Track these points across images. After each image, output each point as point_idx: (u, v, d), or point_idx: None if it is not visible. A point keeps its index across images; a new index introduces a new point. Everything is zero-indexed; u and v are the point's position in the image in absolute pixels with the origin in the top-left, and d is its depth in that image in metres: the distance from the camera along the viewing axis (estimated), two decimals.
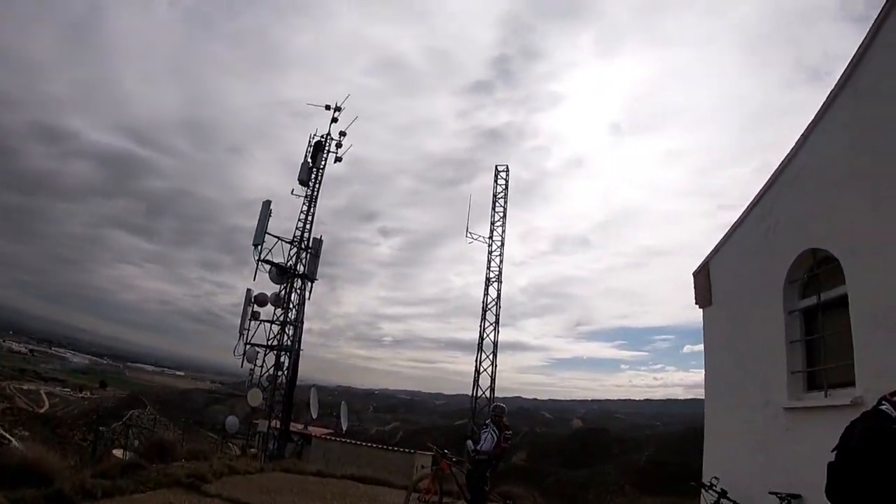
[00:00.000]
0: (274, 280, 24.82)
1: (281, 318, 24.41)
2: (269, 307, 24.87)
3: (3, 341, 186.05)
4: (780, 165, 7.85)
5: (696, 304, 9.66)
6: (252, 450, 23.77)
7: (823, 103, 7.02)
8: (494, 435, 9.71)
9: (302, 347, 25.09)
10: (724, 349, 8.97)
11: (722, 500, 7.53)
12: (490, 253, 26.38)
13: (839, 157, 6.79)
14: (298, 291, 25.10)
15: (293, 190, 25.96)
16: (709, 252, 9.49)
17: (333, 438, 23.11)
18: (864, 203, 6.27)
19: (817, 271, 7.25)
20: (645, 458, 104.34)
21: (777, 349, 7.59)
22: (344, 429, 27.70)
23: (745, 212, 8.63)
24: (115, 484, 9.45)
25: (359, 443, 23.19)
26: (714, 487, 7.67)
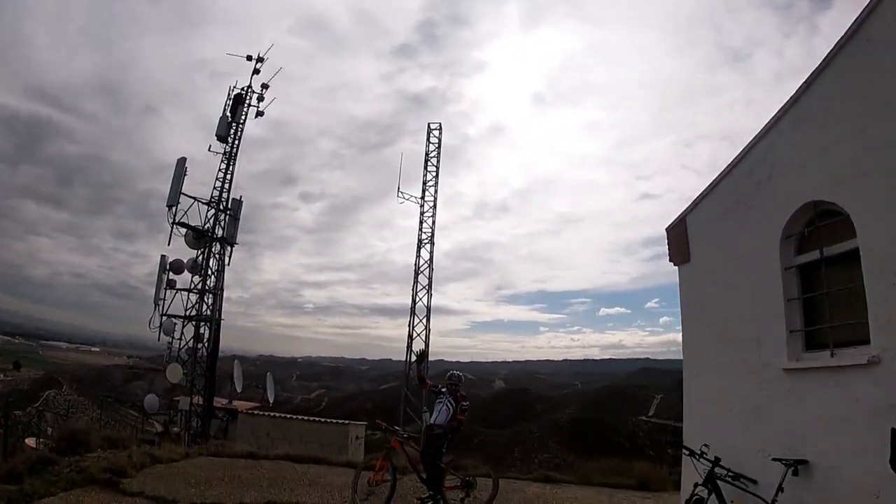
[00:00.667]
0: (190, 245, 22.92)
1: (199, 287, 22.55)
2: (186, 275, 23.04)
3: None
4: (778, 112, 6.98)
5: (671, 261, 8.77)
6: (175, 429, 22.04)
7: (831, 49, 6.26)
8: (450, 406, 8.80)
9: (223, 317, 23.44)
10: (705, 309, 8.18)
11: (717, 468, 6.80)
12: (422, 213, 25.15)
13: (847, 104, 6.07)
14: (217, 257, 23.30)
15: (210, 146, 23.94)
16: (684, 208, 8.62)
17: (262, 413, 21.54)
18: (875, 152, 5.64)
19: (819, 224, 6.48)
20: (567, 416, 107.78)
21: (772, 308, 6.83)
22: (271, 401, 26.20)
23: (731, 162, 7.74)
24: (22, 489, 8.04)
25: (289, 416, 21.67)
26: (706, 455, 6.96)
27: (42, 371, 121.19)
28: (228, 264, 23.59)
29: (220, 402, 23.94)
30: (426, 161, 25.50)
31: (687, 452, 7.35)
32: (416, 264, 24.77)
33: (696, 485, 6.86)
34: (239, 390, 24.98)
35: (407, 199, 25.53)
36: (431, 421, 9.00)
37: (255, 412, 21.83)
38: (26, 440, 19.82)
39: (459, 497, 8.47)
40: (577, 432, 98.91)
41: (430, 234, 25.02)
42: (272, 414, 21.59)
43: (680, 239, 8.53)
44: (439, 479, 8.59)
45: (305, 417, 22.22)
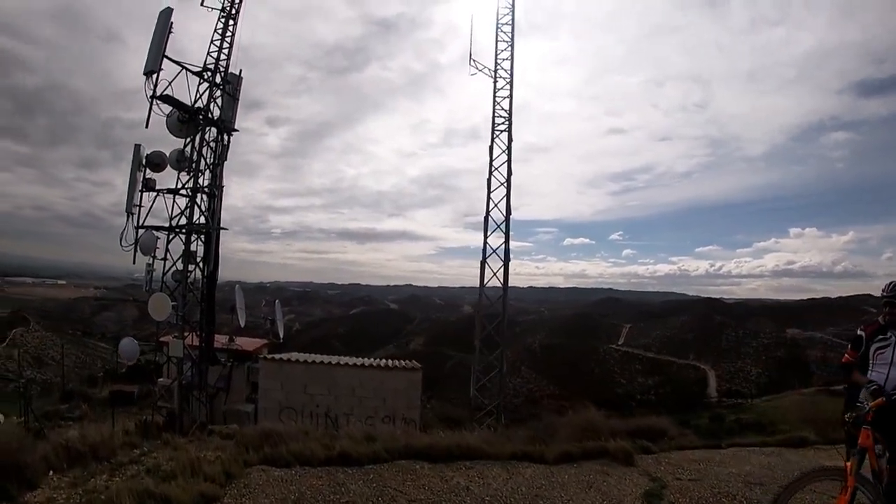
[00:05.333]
0: (175, 131, 16.20)
1: (190, 186, 16.03)
2: (169, 171, 16.41)
3: None
4: None
5: None
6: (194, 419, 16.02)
7: None
8: None
9: (223, 225, 16.93)
10: None
11: None
12: (495, 93, 18.72)
13: None
14: (212, 146, 16.64)
15: (203, 0, 16.89)
16: None
17: (294, 359, 14.90)
18: None
19: None
20: (537, 342, 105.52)
21: None
22: (281, 337, 20.11)
23: None
24: None
25: (331, 360, 15.12)
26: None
27: (8, 309, 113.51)
28: (226, 158, 17.03)
29: (218, 341, 17.73)
30: (497, 29, 19.04)
31: None
32: (490, 156, 18.41)
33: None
34: (242, 325, 18.70)
35: (480, 71, 19.11)
36: (883, 382, 4.44)
37: (278, 356, 15.40)
38: None
39: None
40: (549, 358, 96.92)
41: (506, 119, 18.59)
42: (308, 359, 15.31)
43: None
44: None
45: (354, 361, 15.87)
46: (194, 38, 16.80)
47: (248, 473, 6.51)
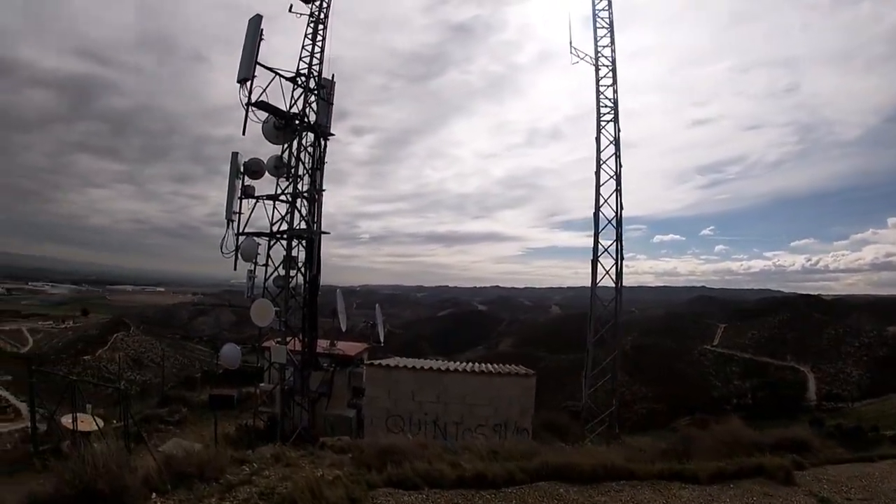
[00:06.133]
0: (271, 138, 16.12)
1: (289, 191, 15.90)
2: (267, 178, 16.38)
3: None
4: None
5: None
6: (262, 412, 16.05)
7: None
8: None
9: (324, 229, 16.74)
10: None
11: None
12: (598, 81, 17.75)
13: None
14: (309, 151, 16.49)
15: (291, 7, 16.77)
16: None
17: (400, 365, 14.73)
18: None
19: None
20: (628, 343, 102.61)
21: None
22: (382, 339, 19.83)
23: None
24: None
25: (439, 367, 14.62)
26: None
27: (110, 315, 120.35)
28: (325, 162, 16.80)
29: (320, 346, 17.56)
30: (594, 15, 18.06)
31: None
32: (597, 148, 17.47)
33: None
34: (344, 329, 18.52)
35: (581, 59, 18.26)
36: None
37: (385, 362, 14.91)
38: (62, 419, 13.97)
39: None
40: (641, 360, 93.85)
41: (611, 109, 17.58)
42: (416, 364, 14.87)
43: None
44: None
45: (464, 367, 15.01)
46: (284, 45, 16.64)
47: (374, 497, 6.00)
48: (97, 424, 14.52)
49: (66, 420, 13.88)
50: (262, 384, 17.39)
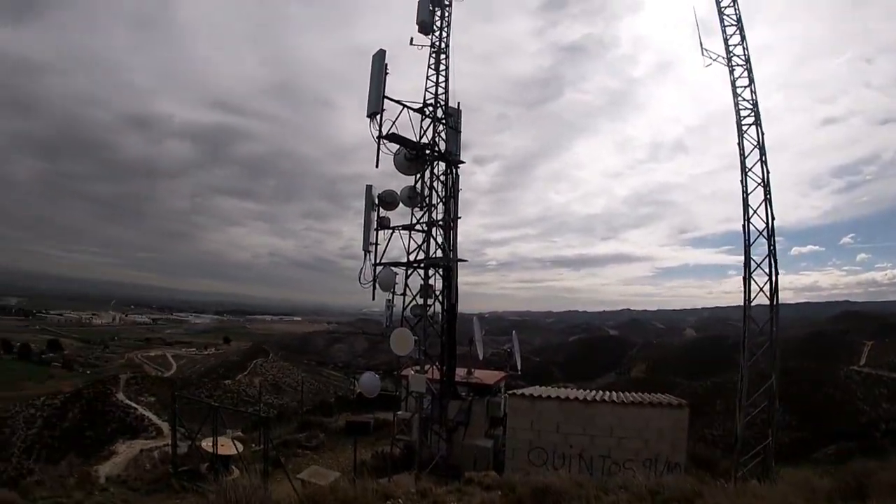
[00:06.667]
0: (402, 168, 16.34)
1: (424, 220, 16.02)
2: (400, 209, 16.61)
3: (126, 315, 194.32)
4: None
5: None
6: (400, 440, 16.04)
7: None
8: None
9: (461, 256, 16.70)
10: None
11: None
12: (734, 83, 16.73)
13: None
14: (441, 180, 16.57)
15: (412, 39, 17.08)
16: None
17: (545, 395, 14.24)
18: None
19: None
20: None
21: None
22: (519, 368, 19.42)
23: None
24: None
25: (586, 397, 14.08)
26: None
27: (250, 343, 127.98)
28: (459, 189, 16.83)
29: (456, 374, 17.45)
30: (720, 13, 17.10)
31: None
32: (741, 155, 16.33)
33: None
34: (481, 356, 18.34)
35: (714, 60, 17.33)
36: None
37: (528, 391, 14.46)
38: (202, 443, 14.64)
39: None
40: (781, 383, 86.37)
41: (751, 111, 16.45)
42: (561, 394, 14.36)
43: None
44: None
45: (613, 397, 14.36)
46: (404, 80, 16.92)
47: None
48: (236, 448, 15.16)
49: (207, 443, 14.53)
50: (399, 412, 17.47)
